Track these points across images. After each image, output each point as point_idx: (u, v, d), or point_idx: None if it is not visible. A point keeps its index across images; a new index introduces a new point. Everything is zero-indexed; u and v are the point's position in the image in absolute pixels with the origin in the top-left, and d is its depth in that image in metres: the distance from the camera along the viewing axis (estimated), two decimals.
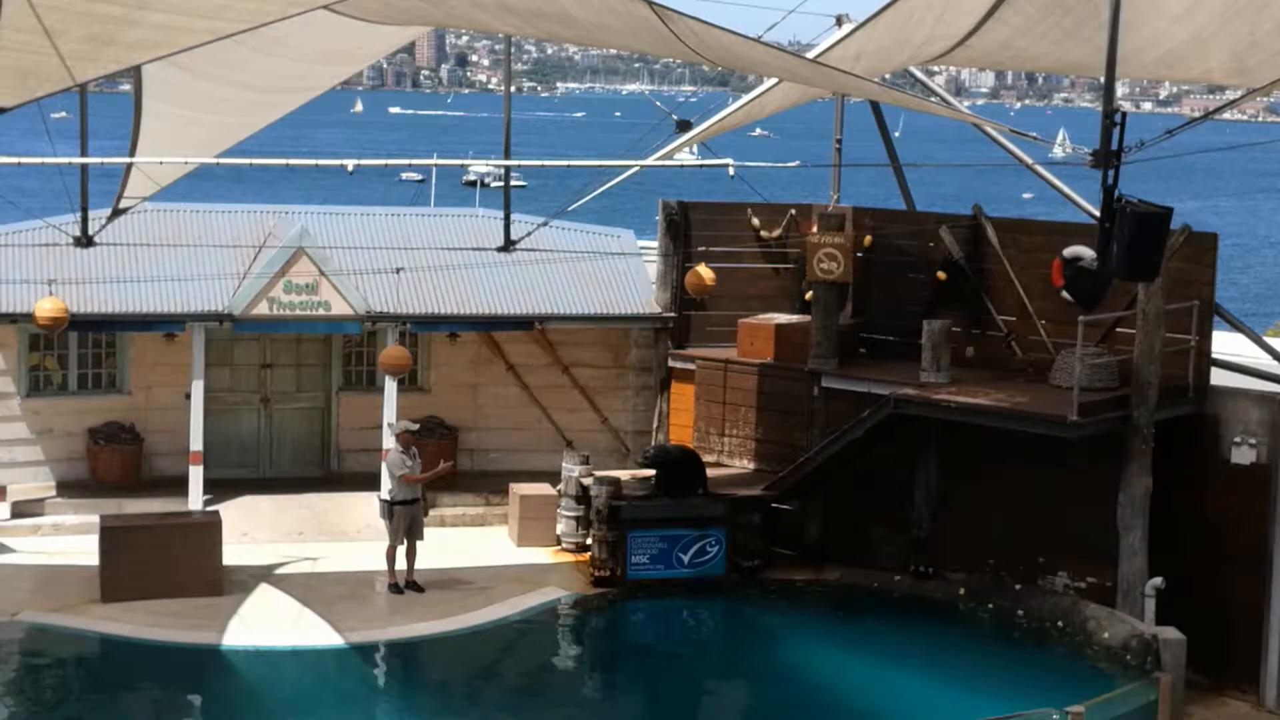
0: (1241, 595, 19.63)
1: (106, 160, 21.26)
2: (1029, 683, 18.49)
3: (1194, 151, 20.49)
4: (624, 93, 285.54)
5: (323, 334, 24.54)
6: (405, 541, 21.02)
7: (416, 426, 21.76)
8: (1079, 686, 17.53)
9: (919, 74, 24.23)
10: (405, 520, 20.93)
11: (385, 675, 19.34)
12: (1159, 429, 19.72)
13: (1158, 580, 19.39)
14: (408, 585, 21.06)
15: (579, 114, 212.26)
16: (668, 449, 23.08)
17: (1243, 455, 19.77)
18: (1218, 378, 20.46)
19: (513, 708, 18.31)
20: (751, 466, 23.77)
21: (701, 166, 25.30)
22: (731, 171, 21.61)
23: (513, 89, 26.19)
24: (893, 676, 19.23)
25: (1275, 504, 19.36)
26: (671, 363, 24.89)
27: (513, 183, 25.36)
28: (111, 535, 20.47)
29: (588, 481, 22.43)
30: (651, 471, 22.62)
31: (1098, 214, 16.59)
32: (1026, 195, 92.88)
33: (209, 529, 20.88)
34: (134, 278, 23.10)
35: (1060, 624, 20.36)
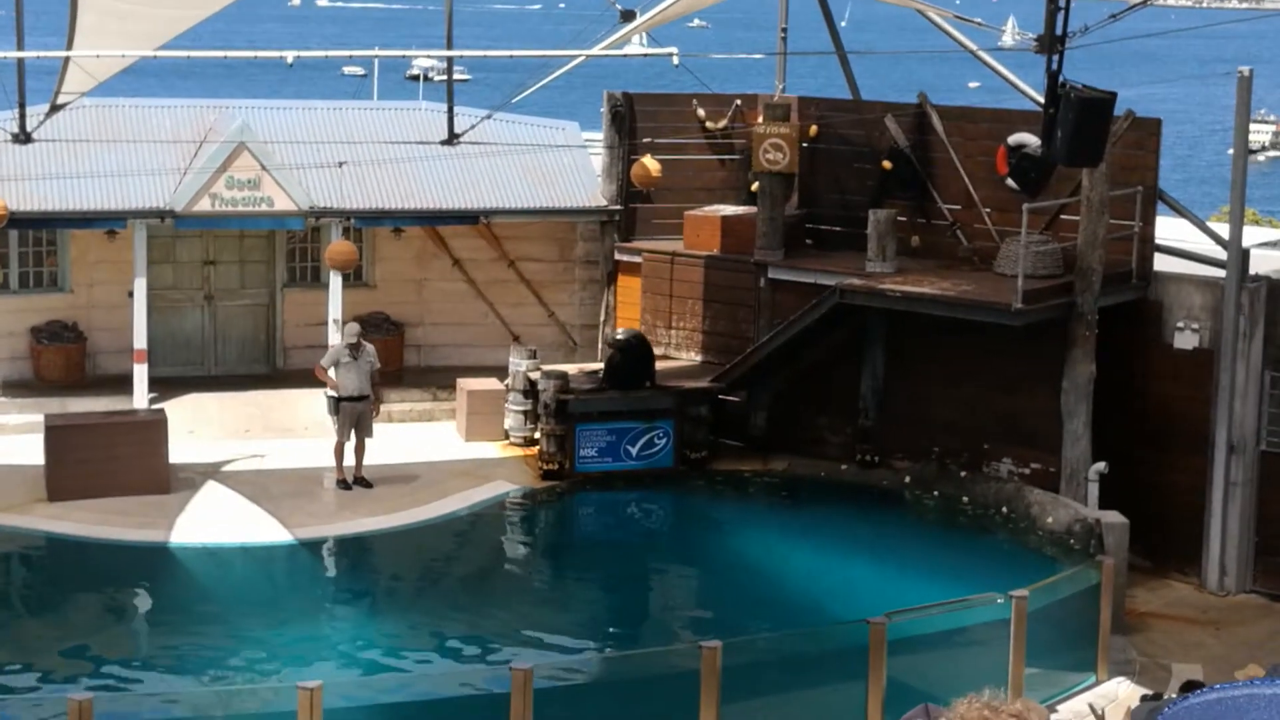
0: (1183, 479, 19.85)
1: (43, 55, 20.97)
2: (974, 568, 18.70)
3: (1138, 36, 20.49)
4: None
5: (266, 230, 24.36)
6: (354, 438, 21.01)
7: (358, 329, 21.38)
8: (1023, 571, 17.73)
9: None
10: (351, 417, 20.91)
11: (334, 570, 19.42)
12: (1103, 315, 19.84)
13: (1100, 465, 19.58)
14: (356, 481, 21.09)
15: (533, 6, 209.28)
16: (631, 338, 22.80)
17: (1185, 340, 19.94)
18: (1161, 263, 20.58)
19: (462, 601, 18.44)
20: (699, 359, 23.82)
21: (646, 56, 25.17)
22: (676, 61, 21.49)
23: None
24: (840, 564, 19.43)
25: (1217, 388, 19.55)
26: (618, 256, 24.84)
27: (456, 76, 25.13)
28: (56, 434, 20.39)
29: (535, 376, 22.44)
30: (598, 366, 22.65)
31: (1041, 101, 16.59)
32: (972, 84, 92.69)
33: (155, 427, 20.83)
34: (74, 174, 22.85)
35: (1005, 510, 20.55)
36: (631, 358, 22.25)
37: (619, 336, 22.70)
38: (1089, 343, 19.74)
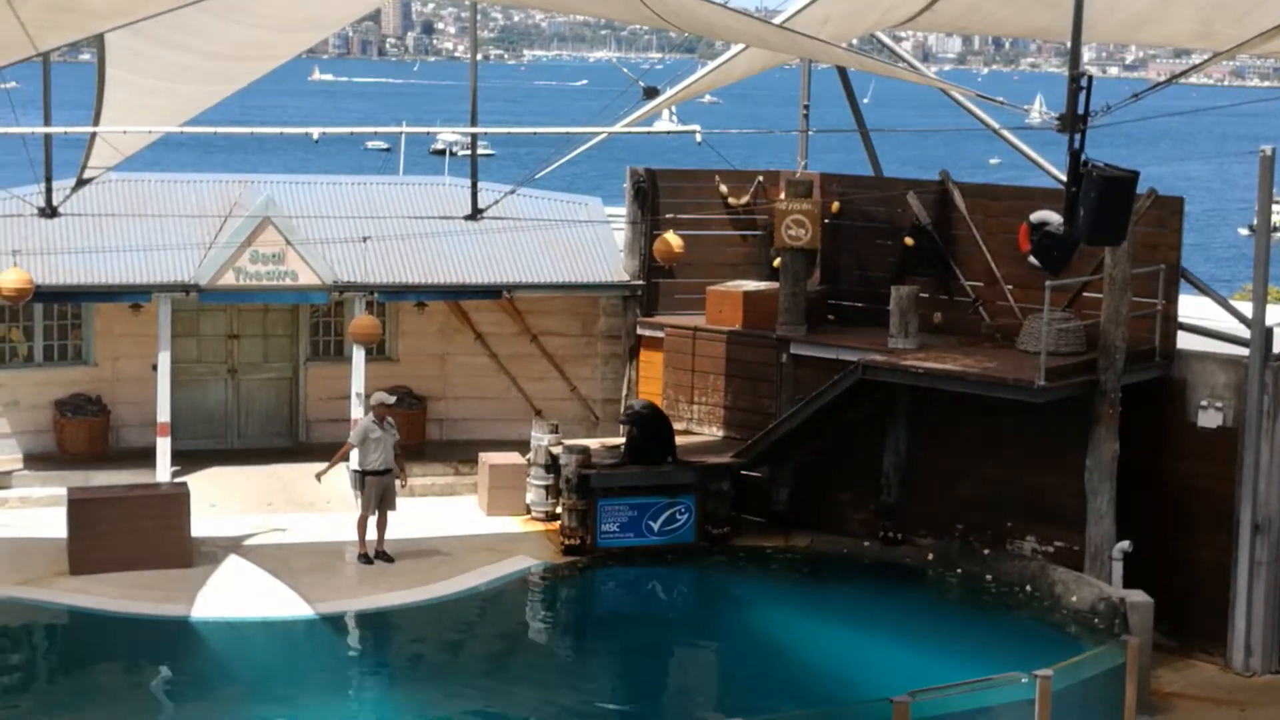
0: (1208, 558, 19.73)
1: (70, 130, 21.14)
2: (997, 647, 18.57)
3: (1160, 115, 20.54)
4: (591, 60, 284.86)
5: (290, 304, 24.47)
6: (376, 512, 21.01)
7: (393, 400, 21.75)
8: (1047, 650, 17.60)
9: (886, 39, 24.24)
10: (377, 490, 20.92)
11: (356, 646, 19.35)
12: (1126, 393, 19.78)
13: (1125, 544, 19.48)
14: (378, 555, 21.07)
15: (578, 83, 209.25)
16: (640, 407, 22.81)
17: (1209, 419, 19.87)
18: (1184, 342, 20.53)
19: (484, 677, 18.33)
20: (720, 434, 23.80)
21: (669, 134, 25.31)
22: (699, 138, 21.62)
23: (479, 56, 26.11)
24: (862, 642, 19.31)
25: (1241, 467, 19.46)
26: (640, 330, 24.90)
27: (480, 151, 25.33)
28: (79, 507, 20.42)
29: (557, 450, 22.44)
30: (620, 441, 22.64)
31: (1064, 179, 16.61)
32: (993, 161, 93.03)
33: (177, 500, 20.84)
34: (99, 248, 23.01)
35: (1028, 588, 20.45)
36: (647, 428, 22.24)
37: (633, 407, 22.70)
38: (1112, 421, 19.68)
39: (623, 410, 23.27)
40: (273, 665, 18.39)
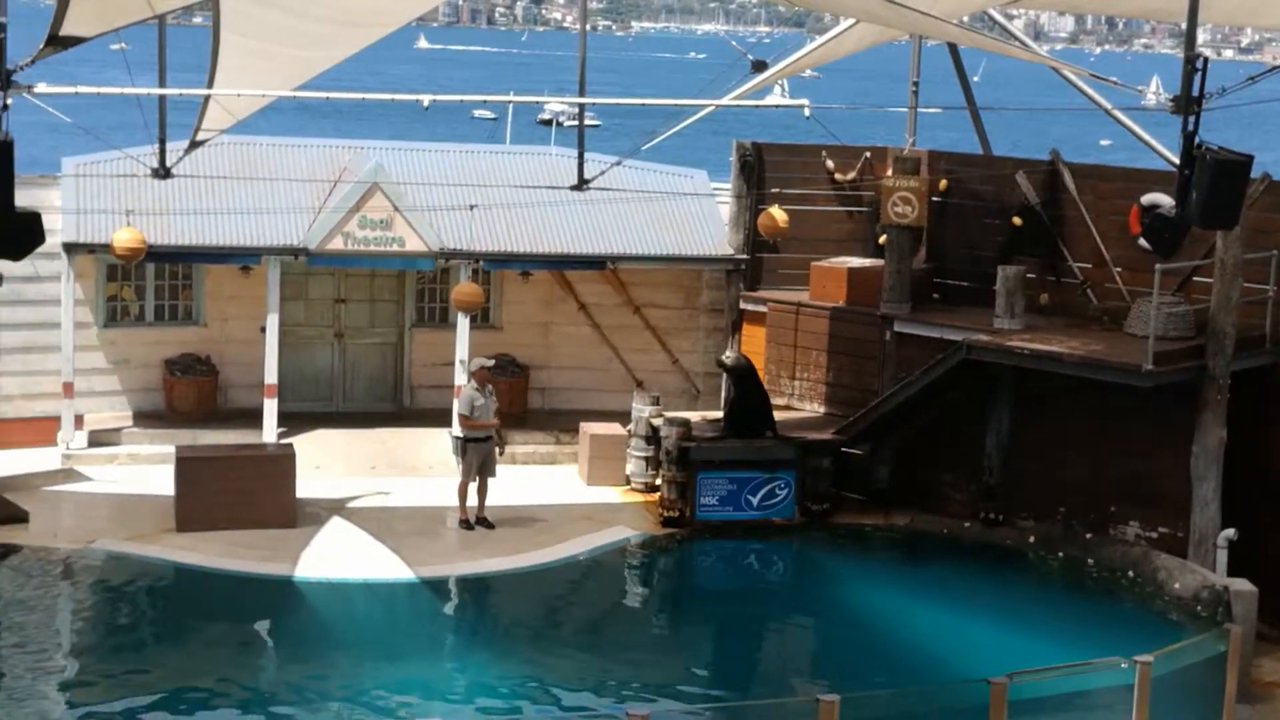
0: None
1: (184, 92, 21.36)
2: (1098, 632, 18.46)
3: (1276, 99, 20.24)
4: (699, 33, 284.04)
5: (396, 270, 24.64)
6: (477, 478, 21.15)
7: (493, 363, 21.86)
8: (1148, 636, 17.45)
9: (998, 16, 24.03)
10: (478, 457, 21.05)
11: (454, 610, 19.51)
12: (1234, 379, 19.57)
13: (1230, 531, 19.29)
14: (478, 522, 21.21)
15: (699, 55, 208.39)
16: (732, 361, 22.74)
17: None
18: None
19: (579, 645, 18.45)
20: (822, 410, 23.76)
21: (776, 107, 25.22)
22: (807, 112, 21.53)
23: (588, 27, 26.11)
24: (961, 623, 19.23)
25: None
26: (743, 305, 24.87)
27: (587, 122, 25.30)
28: (187, 466, 20.70)
29: (658, 422, 22.48)
30: (720, 414, 22.66)
31: (1177, 161, 16.42)
32: (1105, 142, 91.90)
33: (283, 461, 21.08)
34: (210, 210, 23.27)
35: (1130, 574, 20.32)
36: (743, 386, 22.21)
37: (727, 360, 22.59)
38: (1220, 407, 19.47)
39: (719, 359, 23.13)
40: (372, 627, 18.58)
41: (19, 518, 20.53)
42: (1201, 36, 23.19)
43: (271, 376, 23.36)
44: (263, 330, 23.51)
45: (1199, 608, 18.78)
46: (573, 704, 16.76)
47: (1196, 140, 16.12)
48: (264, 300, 23.45)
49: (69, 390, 23.02)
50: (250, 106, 21.89)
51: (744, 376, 22.47)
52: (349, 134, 36.16)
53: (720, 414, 23.07)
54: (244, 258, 23.50)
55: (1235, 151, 16.10)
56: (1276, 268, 20.13)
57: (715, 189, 25.94)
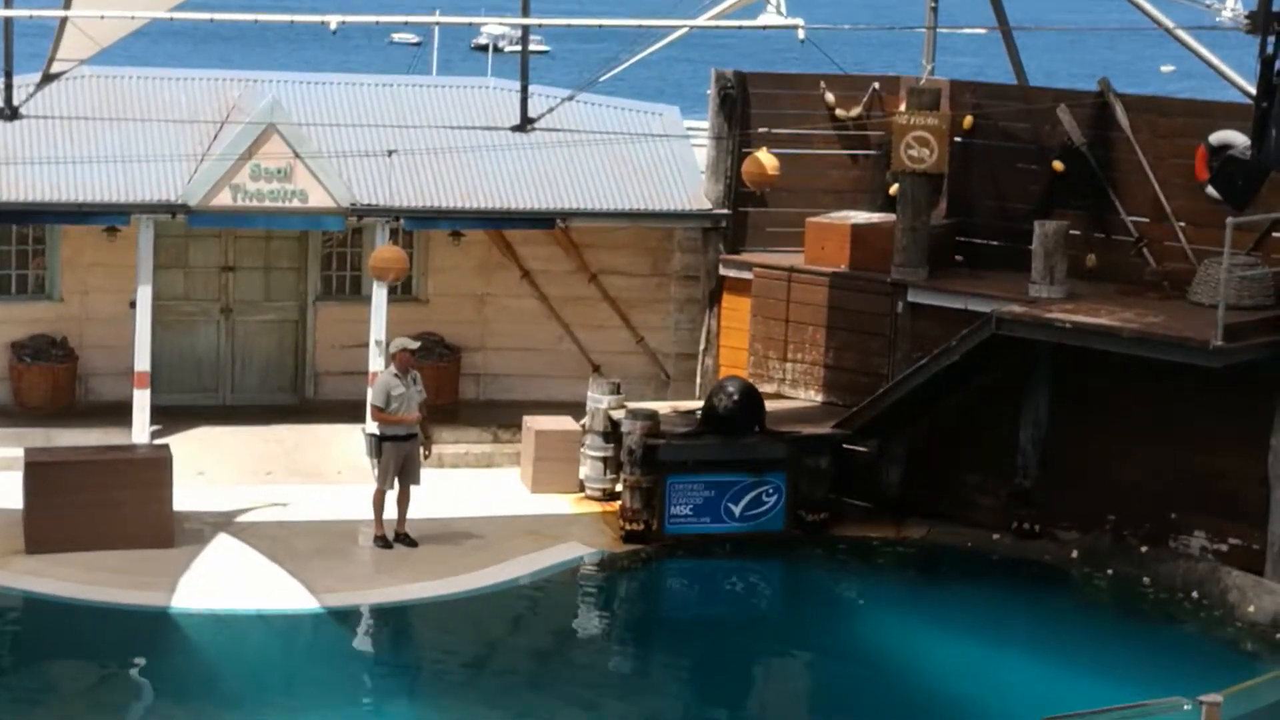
0: None
1: (35, 14, 21.25)
2: (1156, 665, 18.57)
3: None
4: None
5: (297, 231, 24.59)
6: (397, 485, 21.13)
7: (417, 345, 21.84)
8: (1217, 670, 17.57)
9: None
10: (398, 459, 21.02)
11: (370, 647, 19.50)
12: None
13: None
14: (398, 538, 21.20)
15: None
16: (726, 403, 22.42)
17: None
18: None
19: (524, 689, 18.45)
20: (819, 398, 23.81)
21: (766, 29, 25.26)
22: (801, 35, 21.56)
23: None
24: (988, 656, 19.32)
25: None
26: (723, 270, 24.88)
27: (532, 47, 25.37)
28: (38, 473, 20.61)
29: (618, 415, 22.50)
30: (696, 405, 22.67)
31: (1253, 92, 16.49)
32: (1166, 68, 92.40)
33: (157, 466, 21.02)
34: (68, 158, 23.15)
35: (1195, 594, 20.44)
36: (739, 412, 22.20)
37: (721, 397, 22.38)
38: None
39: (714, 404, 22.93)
40: (268, 668, 18.56)
41: None
42: None
43: (143, 363, 23.29)
44: (132, 306, 23.43)
45: (1278, 635, 18.86)
46: None
47: (1277, 66, 16.20)
48: (134, 269, 23.37)
49: None
50: (117, 31, 21.77)
51: (741, 407, 22.28)
52: (239, 64, 36.15)
53: (695, 404, 23.07)
54: (109, 217, 23.40)
55: None
56: None
57: (689, 129, 25.95)
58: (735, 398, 22.16)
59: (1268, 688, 16.51)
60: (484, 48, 63.88)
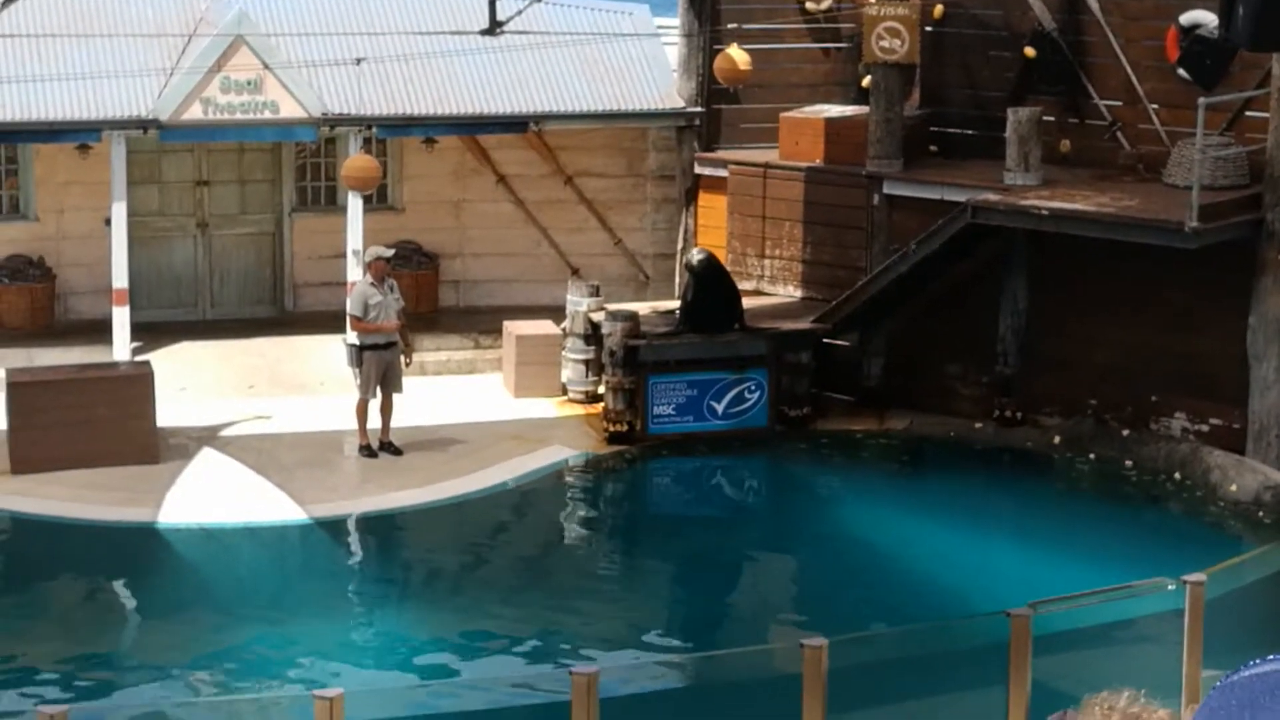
0: None
1: None
2: (1139, 547, 18.67)
3: None
4: None
5: (270, 143, 24.49)
6: (379, 394, 21.13)
7: (391, 253, 21.79)
8: (1200, 550, 17.65)
9: None
10: (379, 368, 21.01)
11: (357, 555, 19.57)
12: None
13: None
14: (382, 447, 21.22)
15: None
16: (697, 263, 22.66)
17: None
18: None
19: (512, 592, 18.53)
20: (798, 294, 23.79)
21: None
22: None
23: None
24: (974, 545, 19.40)
25: None
26: (699, 169, 24.82)
27: None
28: (20, 393, 20.60)
29: (598, 317, 22.48)
30: (675, 304, 22.68)
31: None
32: None
33: (139, 383, 21.03)
34: (36, 76, 23.00)
35: (1177, 475, 20.50)
36: (704, 286, 22.18)
37: (696, 261, 22.49)
38: None
39: (687, 262, 23.10)
40: (256, 580, 18.65)
41: None
42: None
43: (121, 280, 23.21)
44: (108, 223, 23.35)
45: (1261, 513, 18.99)
46: (508, 665, 16.87)
47: None
48: (108, 186, 23.27)
49: None
50: None
51: (711, 276, 22.38)
52: None
53: (675, 304, 23.06)
54: (81, 134, 23.28)
55: None
56: None
57: (660, 27, 25.81)
58: (705, 255, 22.47)
59: (1250, 566, 16.62)
60: None
